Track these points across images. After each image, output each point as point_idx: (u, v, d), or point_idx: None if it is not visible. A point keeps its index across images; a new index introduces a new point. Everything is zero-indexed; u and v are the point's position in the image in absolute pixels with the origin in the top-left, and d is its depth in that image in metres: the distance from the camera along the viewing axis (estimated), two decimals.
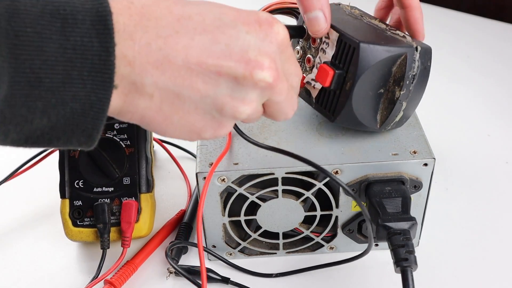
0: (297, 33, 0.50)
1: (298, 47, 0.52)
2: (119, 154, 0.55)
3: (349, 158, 0.50)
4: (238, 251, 0.56)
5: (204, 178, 0.49)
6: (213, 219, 0.53)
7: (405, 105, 0.49)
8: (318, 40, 0.49)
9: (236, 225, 0.55)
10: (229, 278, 0.53)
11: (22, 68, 0.28)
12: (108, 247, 0.55)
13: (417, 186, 0.50)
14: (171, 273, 0.54)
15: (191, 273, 0.53)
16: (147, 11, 0.32)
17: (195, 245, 0.55)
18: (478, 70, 0.85)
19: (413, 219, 0.47)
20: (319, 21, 0.45)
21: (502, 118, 0.75)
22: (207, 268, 0.53)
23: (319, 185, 0.50)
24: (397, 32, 0.50)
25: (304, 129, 0.54)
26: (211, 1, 0.35)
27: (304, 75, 0.51)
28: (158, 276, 0.55)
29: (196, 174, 0.50)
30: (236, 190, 0.51)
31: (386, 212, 0.47)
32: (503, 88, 0.81)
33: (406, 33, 0.52)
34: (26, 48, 0.28)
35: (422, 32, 0.52)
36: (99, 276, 0.54)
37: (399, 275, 0.45)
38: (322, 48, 0.49)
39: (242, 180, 0.51)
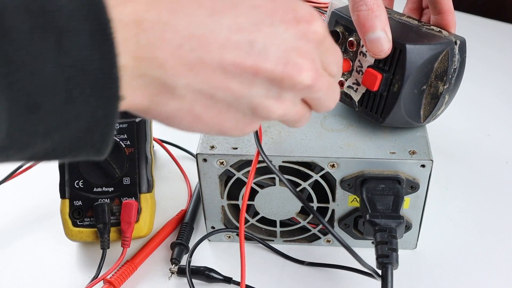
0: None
1: None
2: (119, 154, 0.55)
3: (347, 153, 0.50)
4: (237, 235, 0.57)
5: (204, 159, 0.51)
6: (212, 201, 0.55)
7: (447, 98, 0.50)
8: (356, 43, 0.49)
9: (235, 209, 0.57)
10: (232, 278, 0.53)
11: (18, 96, 0.25)
12: (108, 247, 0.55)
13: (414, 187, 0.51)
14: (173, 273, 0.54)
15: (193, 272, 0.53)
16: (176, 6, 0.29)
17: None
18: (478, 70, 0.85)
19: (401, 218, 0.47)
20: (382, 42, 0.43)
21: (502, 118, 0.75)
22: (208, 267, 0.53)
23: (316, 176, 0.51)
24: (431, 27, 0.51)
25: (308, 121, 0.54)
26: None
27: (343, 79, 0.51)
28: (158, 276, 0.55)
29: (196, 154, 0.51)
30: (234, 174, 0.52)
31: (375, 209, 0.48)
32: (503, 88, 0.81)
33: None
34: (21, 73, 0.25)
35: (454, 32, 0.52)
36: (99, 276, 0.54)
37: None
38: (361, 52, 0.48)
39: (241, 165, 0.52)
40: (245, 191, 0.46)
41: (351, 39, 0.49)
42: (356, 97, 0.51)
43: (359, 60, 0.49)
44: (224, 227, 0.57)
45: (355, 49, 0.49)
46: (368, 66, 0.48)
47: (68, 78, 0.26)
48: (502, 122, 0.74)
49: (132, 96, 0.29)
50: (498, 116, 0.75)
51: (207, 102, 0.32)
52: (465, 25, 0.96)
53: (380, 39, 0.43)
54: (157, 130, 0.66)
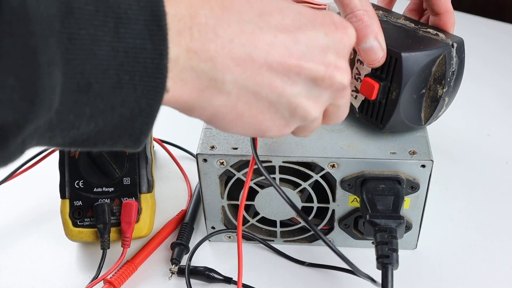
0: None
1: None
2: (119, 154, 0.55)
3: (347, 153, 0.50)
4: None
5: (204, 159, 0.51)
6: (213, 201, 0.55)
7: (447, 100, 0.50)
8: (353, 51, 0.49)
9: (236, 209, 0.56)
10: (232, 278, 0.53)
11: (73, 73, 0.26)
12: (108, 247, 0.55)
13: (414, 187, 0.51)
14: (173, 273, 0.54)
15: (193, 273, 0.53)
16: (228, 3, 0.31)
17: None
18: (478, 70, 0.85)
19: (401, 218, 0.47)
20: (375, 51, 0.43)
21: (502, 118, 0.75)
22: (208, 268, 0.53)
23: (316, 177, 0.51)
24: (428, 29, 0.50)
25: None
26: None
27: None
28: (158, 276, 0.55)
29: (196, 155, 0.51)
30: (234, 174, 0.52)
31: (375, 209, 0.48)
32: (503, 88, 0.81)
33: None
34: (79, 52, 0.26)
35: (453, 33, 0.52)
36: (99, 276, 0.54)
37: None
38: (359, 59, 0.48)
39: (241, 165, 0.52)
40: (242, 195, 0.46)
41: None
42: (356, 103, 0.51)
43: (356, 68, 0.49)
44: (224, 227, 0.57)
45: (352, 56, 0.50)
46: (366, 75, 0.48)
47: (120, 64, 0.27)
48: (502, 122, 0.74)
49: (181, 89, 0.31)
50: (498, 116, 0.75)
51: (250, 100, 0.33)
52: (465, 25, 0.96)
53: (373, 48, 0.43)
54: (157, 130, 0.66)
